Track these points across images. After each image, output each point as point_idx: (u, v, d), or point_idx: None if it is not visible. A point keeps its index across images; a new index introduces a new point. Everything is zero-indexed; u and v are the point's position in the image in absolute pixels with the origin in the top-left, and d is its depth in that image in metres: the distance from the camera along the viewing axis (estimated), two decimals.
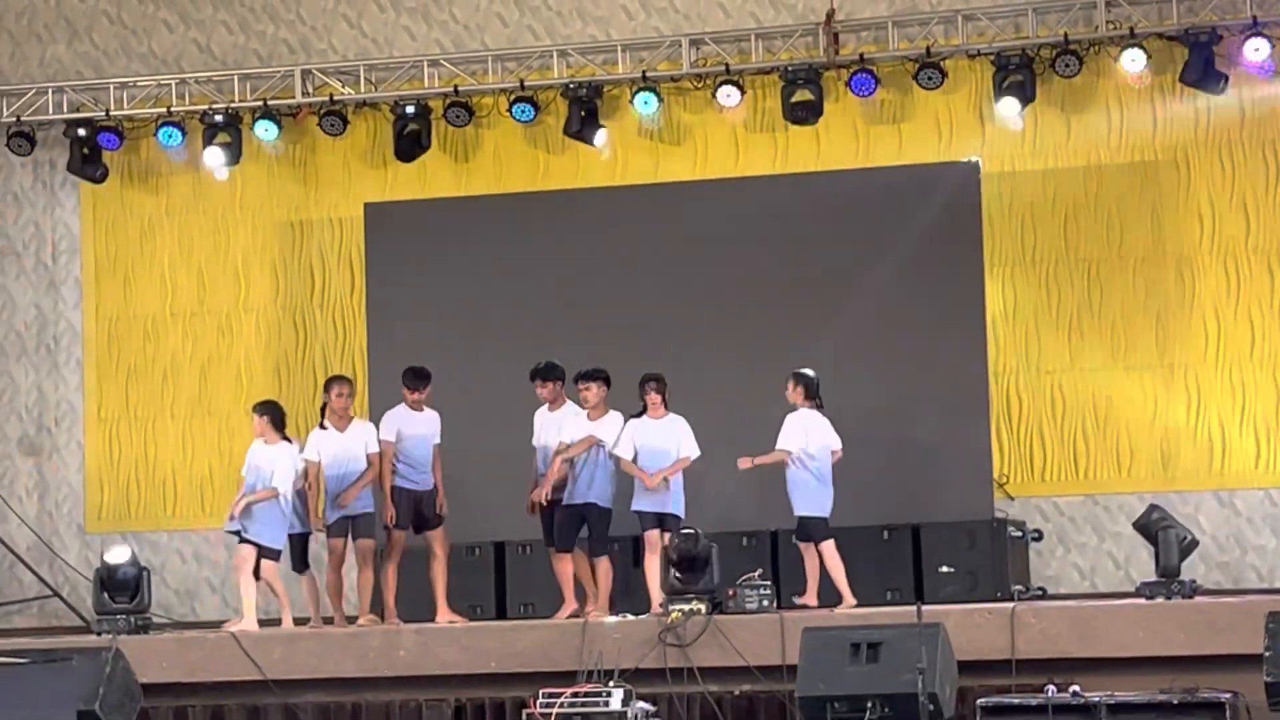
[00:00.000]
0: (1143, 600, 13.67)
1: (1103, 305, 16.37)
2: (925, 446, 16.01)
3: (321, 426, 14.96)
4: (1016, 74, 16.06)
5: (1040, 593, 15.74)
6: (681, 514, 14.40)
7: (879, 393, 16.08)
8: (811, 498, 14.48)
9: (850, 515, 15.55)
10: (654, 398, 14.50)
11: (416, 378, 14.95)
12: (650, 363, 15.11)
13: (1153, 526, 13.99)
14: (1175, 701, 12.12)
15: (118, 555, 15.12)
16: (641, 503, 14.44)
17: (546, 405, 14.81)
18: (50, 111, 17.60)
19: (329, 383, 15.11)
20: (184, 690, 14.16)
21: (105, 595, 14.98)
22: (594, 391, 14.57)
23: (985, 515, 15.58)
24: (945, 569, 15.37)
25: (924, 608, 12.54)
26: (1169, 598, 13.54)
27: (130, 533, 17.25)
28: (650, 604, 14.32)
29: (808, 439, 14.47)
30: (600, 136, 16.79)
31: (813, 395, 14.61)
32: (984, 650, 13.15)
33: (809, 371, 14.66)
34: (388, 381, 15.70)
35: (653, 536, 14.34)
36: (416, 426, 14.92)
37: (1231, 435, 16.12)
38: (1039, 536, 16.15)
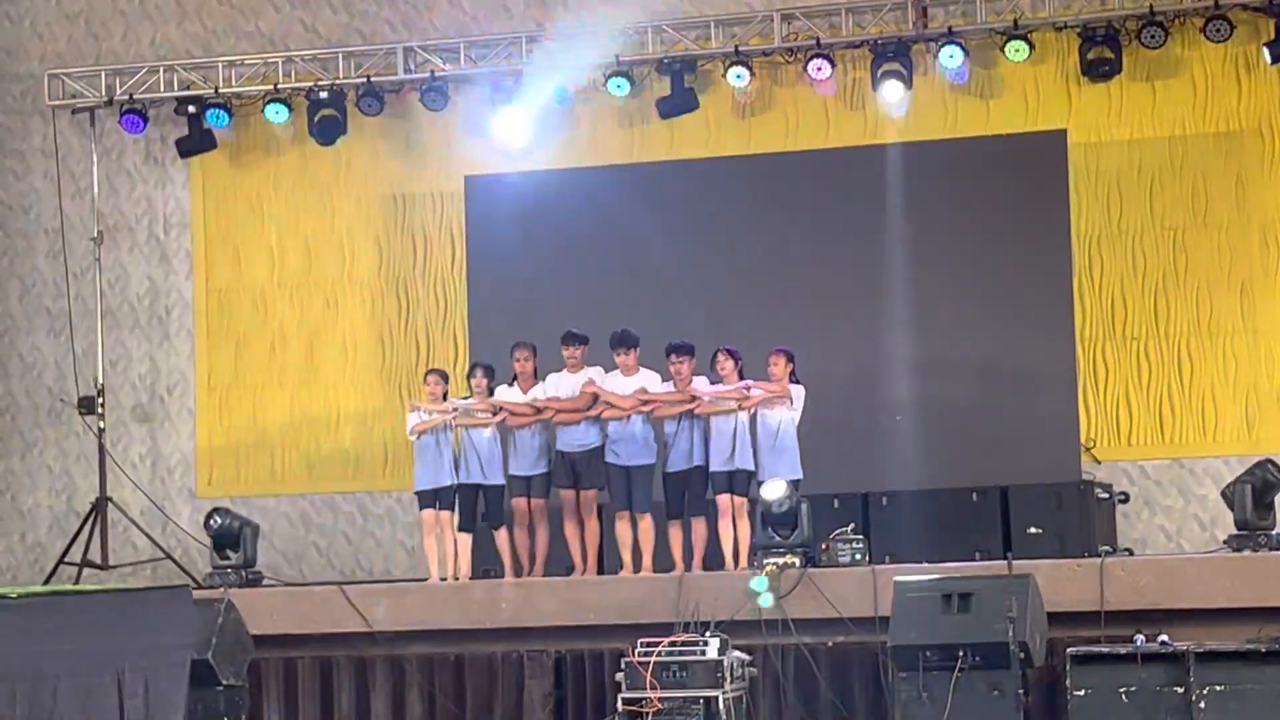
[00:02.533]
0: (1229, 552, 13.87)
1: (1187, 272, 16.55)
2: (1014, 411, 16.25)
3: (509, 385, 15.22)
4: (1102, 46, 16.31)
5: (1127, 554, 15.95)
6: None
7: (968, 359, 16.37)
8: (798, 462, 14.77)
9: (940, 477, 15.92)
10: (725, 364, 14.82)
11: (568, 339, 15.17)
12: (744, 329, 15.46)
13: (1276, 480, 14.13)
14: (1263, 650, 12.29)
15: (216, 520, 15.59)
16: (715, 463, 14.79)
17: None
18: (161, 90, 17.96)
19: (511, 349, 15.30)
20: (293, 642, 14.53)
21: (218, 550, 15.44)
22: (688, 365, 14.90)
23: (1073, 478, 15.77)
24: (1033, 530, 15.55)
25: (1014, 561, 12.81)
26: (1255, 550, 13.71)
27: (239, 497, 17.61)
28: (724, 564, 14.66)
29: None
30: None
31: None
32: (1073, 602, 13.34)
33: None
34: (488, 351, 16.03)
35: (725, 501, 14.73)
36: (566, 388, 15.11)
37: None
38: (1125, 499, 16.32)
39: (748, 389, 14.69)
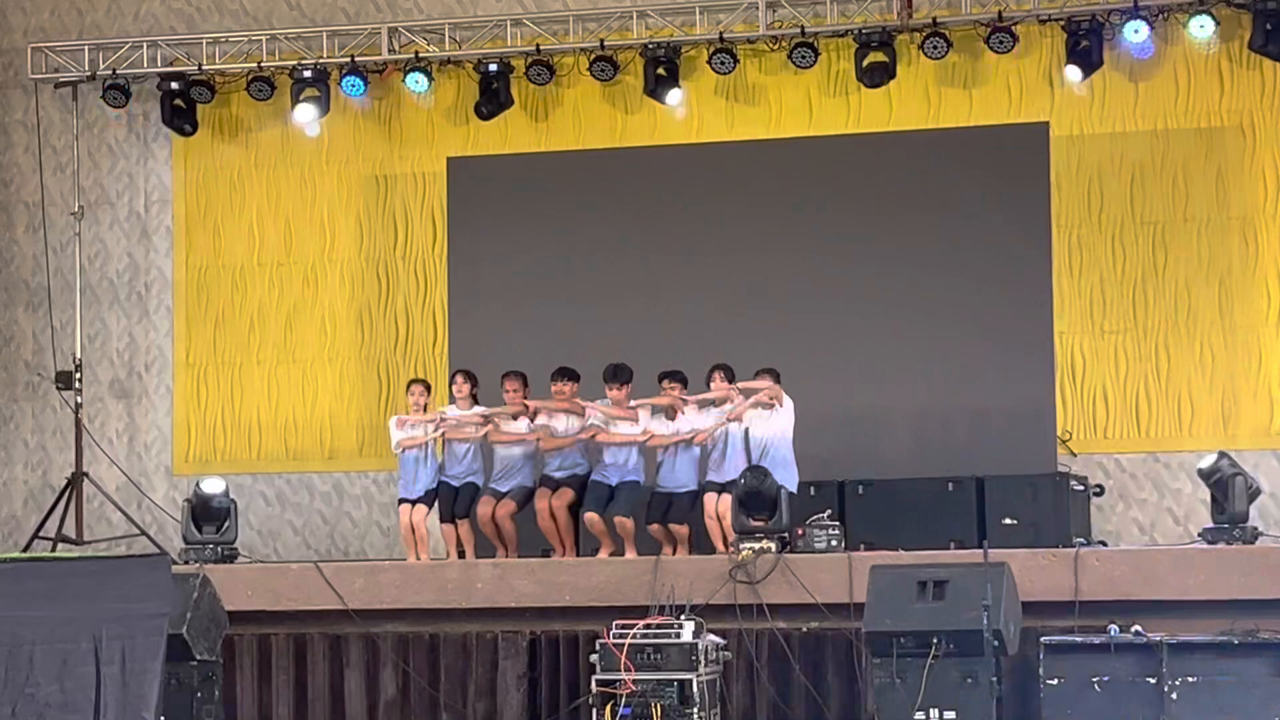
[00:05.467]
0: (1204, 545, 13.93)
1: (1167, 267, 16.58)
2: (991, 402, 16.27)
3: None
4: (1086, 39, 16.35)
5: (1101, 546, 16.00)
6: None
7: (947, 350, 16.38)
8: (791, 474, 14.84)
9: (916, 467, 15.95)
10: (721, 385, 14.90)
11: (559, 375, 15.26)
12: (724, 312, 15.47)
13: (1224, 473, 14.20)
14: (1236, 642, 12.38)
15: (213, 485, 15.59)
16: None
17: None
18: (145, 65, 17.91)
19: (502, 378, 15.35)
20: (267, 618, 14.54)
21: (194, 525, 15.44)
22: (679, 391, 14.99)
23: (1048, 470, 15.79)
24: (1008, 521, 15.58)
25: (989, 550, 12.83)
26: (1230, 543, 13.76)
27: (216, 475, 17.64)
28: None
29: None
30: (674, 95, 17.09)
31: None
32: (1048, 591, 13.38)
33: None
34: (467, 333, 16.08)
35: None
36: (557, 424, 15.23)
37: None
38: (1100, 491, 16.34)
39: (737, 391, 14.72)
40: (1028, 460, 15.89)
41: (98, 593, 9.44)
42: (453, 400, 15.51)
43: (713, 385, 14.89)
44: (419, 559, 15.15)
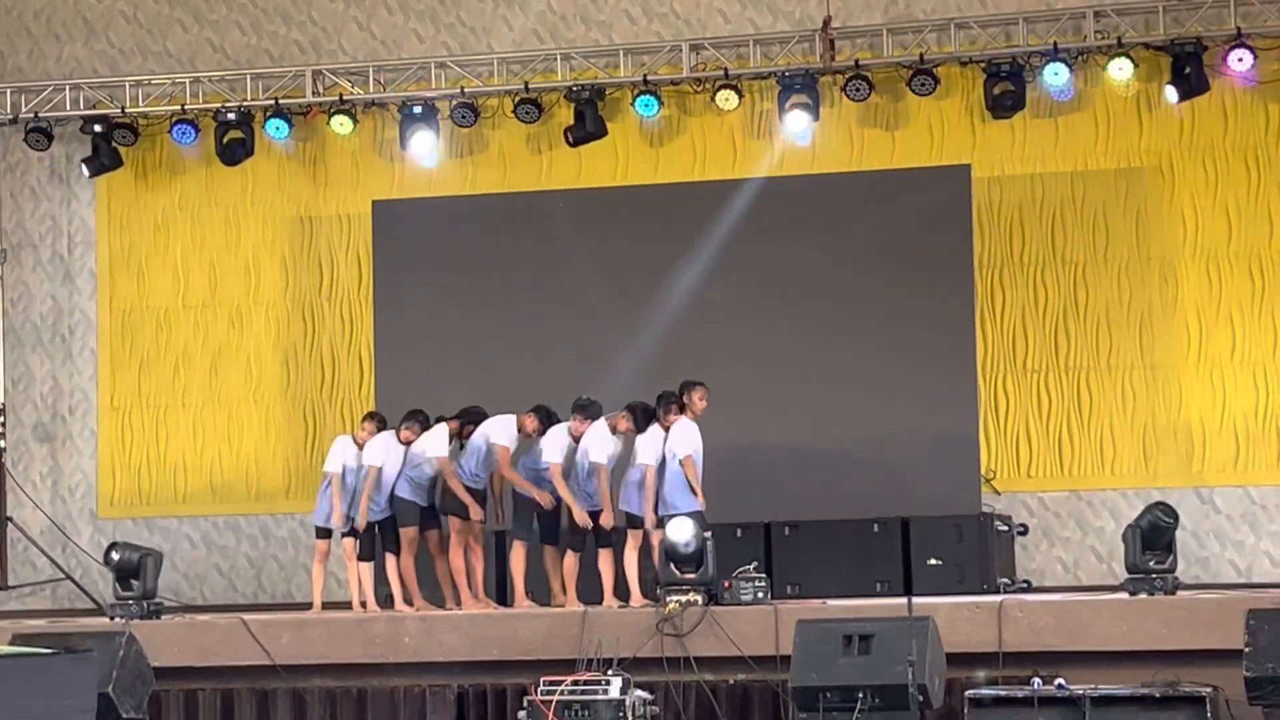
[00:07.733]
0: (1126, 595, 14.05)
1: (1088, 306, 16.77)
2: (915, 442, 16.36)
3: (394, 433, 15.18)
4: (1006, 81, 16.49)
5: (1025, 585, 16.16)
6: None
7: (870, 389, 16.46)
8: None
9: (841, 509, 16.04)
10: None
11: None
12: (647, 361, 15.50)
13: (1168, 524, 14.32)
14: (1158, 695, 12.36)
15: (116, 555, 15.49)
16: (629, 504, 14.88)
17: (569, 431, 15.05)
18: (68, 108, 17.87)
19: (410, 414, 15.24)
20: (195, 674, 14.40)
21: (121, 583, 15.36)
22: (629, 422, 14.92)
23: (972, 510, 15.92)
24: (933, 561, 15.71)
25: (913, 600, 12.92)
26: (1151, 593, 13.90)
27: (141, 518, 17.64)
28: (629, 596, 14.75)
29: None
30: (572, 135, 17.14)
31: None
32: (972, 643, 13.39)
33: None
34: (393, 374, 16.08)
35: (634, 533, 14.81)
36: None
37: (1211, 434, 16.51)
38: (1024, 531, 16.53)
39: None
40: (952, 499, 16.01)
41: (21, 692, 9.42)
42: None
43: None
44: (363, 608, 15.13)
